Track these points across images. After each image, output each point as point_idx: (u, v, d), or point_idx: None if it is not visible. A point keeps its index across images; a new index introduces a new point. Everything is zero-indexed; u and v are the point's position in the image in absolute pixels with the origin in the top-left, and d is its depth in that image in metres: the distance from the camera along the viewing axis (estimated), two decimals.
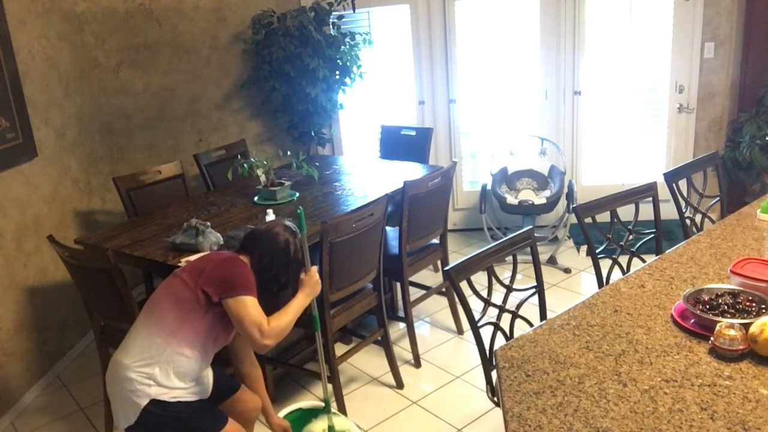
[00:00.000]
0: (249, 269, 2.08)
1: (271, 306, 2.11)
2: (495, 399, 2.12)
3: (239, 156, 4.08)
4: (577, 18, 4.57)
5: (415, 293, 3.52)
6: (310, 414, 2.54)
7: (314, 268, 2.23)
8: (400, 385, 3.15)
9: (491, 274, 2.18)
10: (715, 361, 1.64)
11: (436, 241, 3.52)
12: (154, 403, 1.96)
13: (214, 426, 2.08)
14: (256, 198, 3.42)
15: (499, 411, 1.72)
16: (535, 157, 4.68)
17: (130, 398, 1.97)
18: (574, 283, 4.15)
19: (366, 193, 3.42)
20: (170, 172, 3.78)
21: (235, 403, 2.27)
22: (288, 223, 2.24)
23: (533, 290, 2.28)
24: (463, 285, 2.08)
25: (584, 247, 4.49)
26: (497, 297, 2.19)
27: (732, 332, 1.64)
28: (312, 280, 2.20)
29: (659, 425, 1.41)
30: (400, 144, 4.42)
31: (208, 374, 2.21)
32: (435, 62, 4.81)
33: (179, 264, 2.49)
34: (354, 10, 4.58)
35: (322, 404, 2.51)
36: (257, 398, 2.35)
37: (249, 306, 1.98)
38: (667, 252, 2.36)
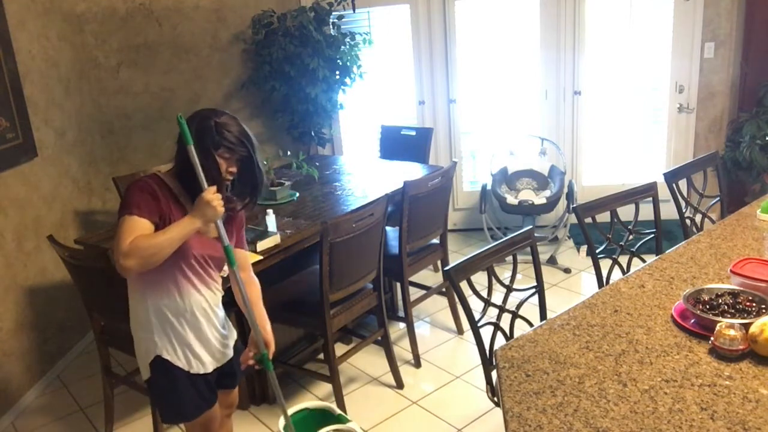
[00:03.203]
0: (140, 185, 1.89)
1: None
2: (495, 399, 2.12)
3: None
4: (577, 18, 4.57)
5: (415, 293, 3.51)
6: (317, 414, 2.52)
7: (211, 189, 1.84)
8: (400, 385, 3.15)
9: (491, 274, 2.18)
10: (715, 361, 1.64)
11: (436, 241, 3.52)
12: (158, 360, 1.98)
13: (204, 403, 2.07)
14: None
15: (499, 411, 1.72)
16: (535, 157, 4.68)
17: (141, 353, 2.02)
18: (574, 283, 4.15)
19: (366, 193, 3.42)
20: None
21: (222, 396, 2.25)
22: (218, 110, 2.00)
23: (533, 290, 2.28)
24: (463, 285, 2.08)
25: (584, 247, 4.49)
26: (497, 297, 2.19)
27: (732, 332, 1.64)
28: (201, 201, 1.81)
29: (659, 425, 1.41)
30: (400, 144, 4.42)
31: (214, 333, 2.08)
32: (435, 62, 4.81)
33: None
34: (354, 10, 4.58)
35: (327, 405, 2.48)
36: (235, 393, 2.33)
37: (122, 225, 1.80)
38: (667, 252, 2.36)
